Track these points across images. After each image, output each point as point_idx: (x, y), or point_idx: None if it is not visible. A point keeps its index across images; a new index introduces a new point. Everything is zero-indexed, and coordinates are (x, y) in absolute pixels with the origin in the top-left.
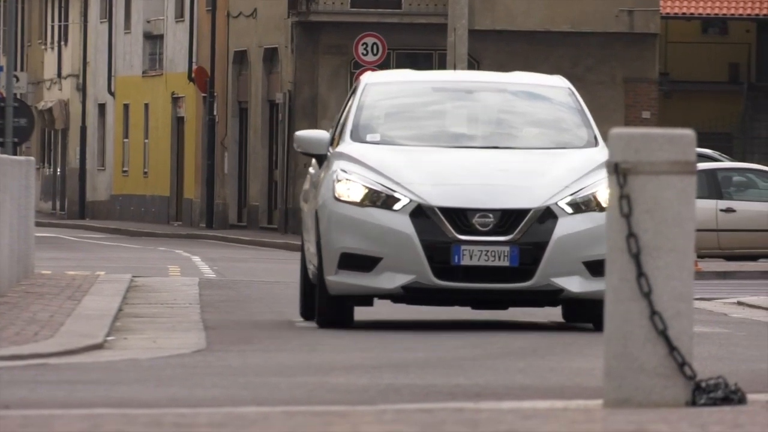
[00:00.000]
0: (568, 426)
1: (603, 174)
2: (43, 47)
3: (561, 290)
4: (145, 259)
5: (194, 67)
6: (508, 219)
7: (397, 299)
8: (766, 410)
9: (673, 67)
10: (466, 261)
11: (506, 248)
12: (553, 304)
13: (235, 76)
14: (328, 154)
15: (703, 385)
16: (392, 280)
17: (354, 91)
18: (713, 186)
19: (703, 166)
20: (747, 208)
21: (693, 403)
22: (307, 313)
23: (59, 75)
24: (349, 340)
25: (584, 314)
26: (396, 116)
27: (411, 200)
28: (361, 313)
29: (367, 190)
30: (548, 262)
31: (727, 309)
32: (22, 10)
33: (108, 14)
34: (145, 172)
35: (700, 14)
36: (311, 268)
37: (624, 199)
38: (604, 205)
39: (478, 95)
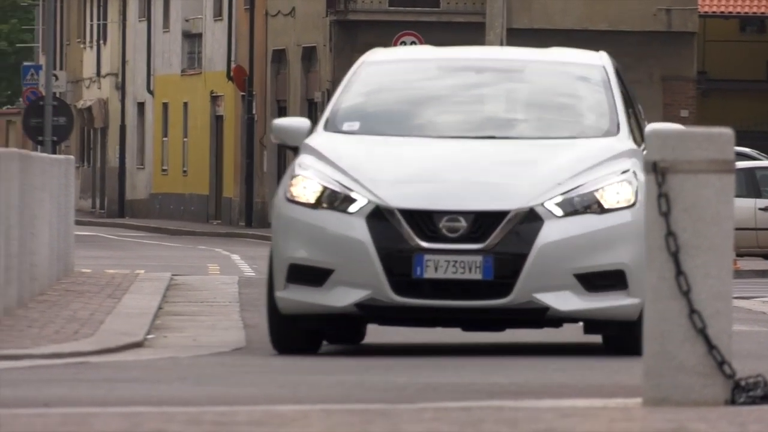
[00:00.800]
0: (606, 424)
1: (618, 166)
2: (82, 46)
3: (546, 308)
4: (184, 258)
5: (233, 65)
6: (482, 223)
7: (351, 319)
8: None
9: (711, 66)
10: (430, 273)
11: (478, 258)
12: (537, 325)
13: (274, 74)
14: (300, 146)
15: (743, 383)
16: (345, 296)
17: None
18: (752, 185)
19: (741, 164)
20: None
21: (732, 401)
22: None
23: (98, 74)
24: (387, 339)
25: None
26: (383, 101)
27: (369, 201)
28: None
29: (322, 190)
30: (529, 275)
31: (766, 308)
32: (61, 9)
33: (147, 13)
34: (185, 171)
35: (738, 13)
36: None
37: (662, 197)
38: (608, 205)
39: (487, 75)
